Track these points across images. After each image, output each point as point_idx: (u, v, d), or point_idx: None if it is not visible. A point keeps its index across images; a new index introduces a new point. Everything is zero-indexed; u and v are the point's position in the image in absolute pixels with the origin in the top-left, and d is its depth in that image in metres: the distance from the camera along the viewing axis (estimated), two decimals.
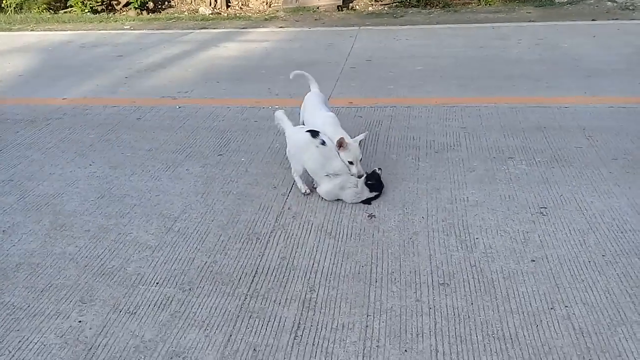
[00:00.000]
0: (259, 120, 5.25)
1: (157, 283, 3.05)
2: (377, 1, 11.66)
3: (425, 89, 6.00)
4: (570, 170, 4.04)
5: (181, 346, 2.62)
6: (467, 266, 3.07)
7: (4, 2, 12.54)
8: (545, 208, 3.57)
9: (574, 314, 2.70)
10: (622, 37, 7.81)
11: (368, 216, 3.62)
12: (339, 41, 8.42)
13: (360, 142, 3.72)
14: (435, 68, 6.78)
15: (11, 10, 12.47)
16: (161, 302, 2.90)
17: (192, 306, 2.87)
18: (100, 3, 12.17)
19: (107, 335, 2.70)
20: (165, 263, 3.22)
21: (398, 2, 11.08)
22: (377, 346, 2.57)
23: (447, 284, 2.95)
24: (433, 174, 4.08)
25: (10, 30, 10.69)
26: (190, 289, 3.00)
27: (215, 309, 2.84)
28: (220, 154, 4.57)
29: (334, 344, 2.59)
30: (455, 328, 2.65)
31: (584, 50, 7.22)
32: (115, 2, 12.63)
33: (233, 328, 2.71)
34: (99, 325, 2.76)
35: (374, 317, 2.74)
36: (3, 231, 3.59)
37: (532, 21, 9.14)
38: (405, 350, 2.54)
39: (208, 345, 2.62)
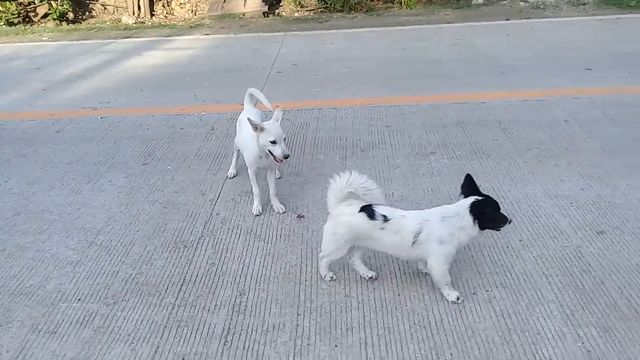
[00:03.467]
0: (185, 128, 5.17)
1: (78, 299, 2.94)
2: (303, 7, 11.77)
3: (350, 91, 6.10)
4: (488, 161, 4.22)
5: None
6: (394, 259, 3.14)
7: None
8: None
9: (495, 297, 2.82)
10: (534, 35, 8.24)
11: (297, 217, 3.63)
12: (265, 47, 8.43)
13: (279, 121, 3.46)
14: (359, 70, 6.90)
15: None
16: (84, 319, 2.80)
17: (117, 320, 2.78)
18: (16, 15, 11.62)
19: (26, 357, 2.57)
20: (87, 278, 3.10)
21: (323, 7, 11.21)
22: (308, 344, 2.58)
23: (374, 278, 3.00)
24: (359, 172, 4.14)
25: None
26: (114, 303, 2.90)
27: (142, 321, 2.77)
28: (145, 163, 4.46)
29: (264, 346, 2.58)
30: (383, 320, 2.70)
31: (498, 48, 7.55)
32: (33, 14, 12.10)
33: (160, 339, 2.65)
34: (17, 347, 2.62)
35: (304, 316, 2.75)
36: None
37: (451, 22, 9.49)
38: (336, 346, 2.56)
39: (134, 358, 2.54)
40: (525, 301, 2.77)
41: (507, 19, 9.38)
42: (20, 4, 11.83)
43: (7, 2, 11.38)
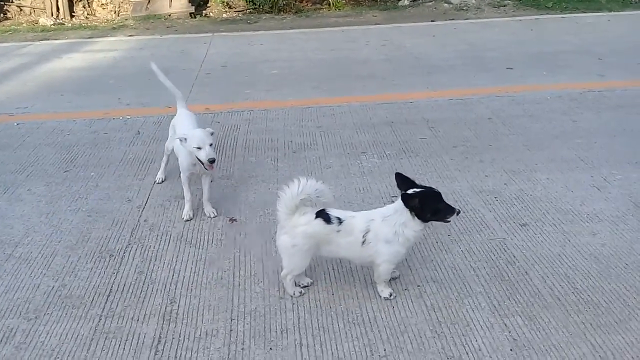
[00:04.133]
0: (109, 132, 4.99)
1: None
2: (231, 8, 11.63)
3: (281, 92, 6.09)
4: (417, 159, 4.32)
5: None
6: (327, 259, 3.15)
7: None
8: (397, 197, 3.77)
9: (426, 292, 2.88)
10: (457, 36, 8.53)
11: (229, 220, 3.58)
12: (192, 48, 8.27)
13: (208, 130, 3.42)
14: (290, 72, 6.90)
15: None
16: (3, 335, 2.63)
17: (40, 335, 2.64)
18: None
19: None
20: (5, 293, 2.92)
21: (251, 9, 11.13)
22: (242, 349, 2.54)
23: (309, 284, 2.99)
24: (291, 174, 4.13)
25: None
26: (36, 317, 2.75)
27: (66, 335, 2.64)
28: (67, 170, 4.26)
29: (197, 353, 2.52)
30: (318, 320, 2.70)
31: (424, 49, 7.77)
32: None
33: (87, 352, 2.53)
34: None
35: (237, 321, 2.71)
36: None
37: (378, 24, 9.67)
38: (270, 349, 2.54)
39: None
40: (454, 294, 2.85)
41: (432, 20, 9.66)
42: None
43: None
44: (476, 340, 2.54)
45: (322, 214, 2.73)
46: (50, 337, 2.63)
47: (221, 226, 3.52)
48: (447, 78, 6.39)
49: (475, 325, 2.64)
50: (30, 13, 11.99)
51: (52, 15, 11.52)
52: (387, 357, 2.47)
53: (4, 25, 11.09)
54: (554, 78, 6.26)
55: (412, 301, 2.81)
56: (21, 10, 12.06)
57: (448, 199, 3.66)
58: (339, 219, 2.72)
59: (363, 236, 2.70)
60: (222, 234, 3.44)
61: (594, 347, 2.47)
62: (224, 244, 3.34)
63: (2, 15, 11.85)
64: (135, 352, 2.53)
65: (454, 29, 9.04)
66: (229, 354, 2.51)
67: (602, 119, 5.03)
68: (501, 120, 5.04)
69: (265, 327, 2.66)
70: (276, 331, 2.64)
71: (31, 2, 12.01)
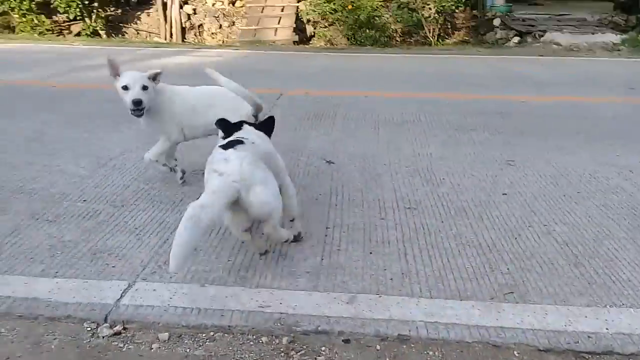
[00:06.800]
0: None
1: (84, 200, 2.65)
2: (333, 45, 11.84)
3: (381, 87, 5.92)
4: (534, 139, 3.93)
5: (107, 246, 2.20)
6: (435, 196, 2.82)
7: None
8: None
9: (555, 230, 2.46)
10: (566, 65, 8.09)
11: (326, 162, 3.34)
12: (294, 59, 8.38)
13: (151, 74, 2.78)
14: (397, 77, 6.75)
15: None
16: (87, 214, 2.49)
17: (124, 218, 2.47)
18: (51, 31, 11.79)
19: (18, 236, 2.26)
20: (95, 187, 2.82)
21: (354, 44, 11.21)
22: (339, 249, 2.23)
23: (414, 208, 2.67)
24: (392, 138, 3.90)
25: None
26: (122, 206, 2.60)
27: (151, 220, 2.46)
28: None
29: (288, 246, 2.23)
30: (425, 238, 2.36)
31: (530, 69, 7.39)
32: (67, 32, 12.32)
33: (171, 234, 2.30)
34: (9, 228, 2.32)
35: (333, 229, 2.42)
36: None
37: (483, 55, 9.42)
38: (371, 253, 2.21)
39: (140, 245, 2.22)
40: (591, 235, 2.43)
41: (540, 55, 9.27)
42: (54, 21, 12.04)
43: (42, 16, 11.59)
44: (624, 273, 2.09)
45: None
46: (135, 220, 2.45)
47: (318, 164, 3.29)
48: (557, 90, 5.96)
49: (621, 262, 2.19)
50: (146, 37, 12.84)
51: (165, 39, 12.27)
52: (511, 275, 2.06)
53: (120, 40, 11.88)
54: None
55: (538, 236, 2.40)
56: (138, 33, 12.94)
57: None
58: None
59: None
60: (318, 171, 3.19)
61: None
62: (320, 177, 3.09)
63: (120, 36, 12.76)
64: (222, 239, 2.29)
65: (562, 62, 8.60)
66: (323, 251, 2.21)
67: None
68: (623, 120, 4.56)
69: (365, 238, 2.34)
70: (377, 241, 2.32)
71: (148, 27, 12.89)
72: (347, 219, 2.52)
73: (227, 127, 2.28)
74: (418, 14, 10.82)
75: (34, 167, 3.08)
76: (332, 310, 1.79)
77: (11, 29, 11.45)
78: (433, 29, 10.97)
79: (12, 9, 10.82)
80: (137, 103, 2.69)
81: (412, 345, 1.65)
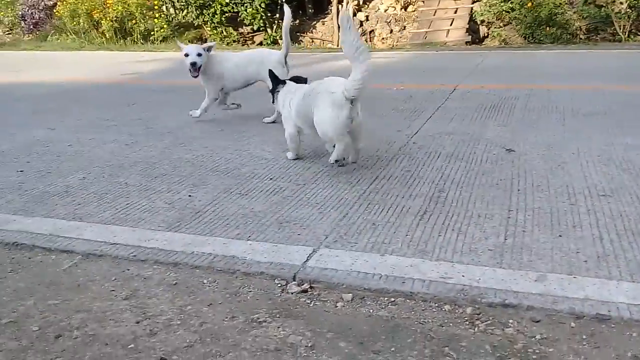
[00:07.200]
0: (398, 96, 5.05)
1: (271, 178, 2.85)
2: (507, 44, 11.32)
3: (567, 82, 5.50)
4: None
5: (292, 216, 2.34)
6: (634, 185, 2.54)
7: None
8: None
9: None
10: None
11: (506, 150, 3.19)
12: (467, 57, 8.16)
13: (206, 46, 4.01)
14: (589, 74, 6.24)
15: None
16: (274, 190, 2.68)
17: (306, 194, 2.61)
18: (237, 42, 12.94)
19: (216, 205, 2.50)
20: (280, 168, 3.02)
21: (530, 43, 10.61)
22: (523, 231, 2.12)
23: (609, 195, 2.43)
24: (583, 128, 3.61)
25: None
26: (304, 184, 2.74)
27: (331, 197, 2.56)
28: None
29: (468, 227, 2.17)
30: (624, 224, 2.13)
31: None
32: (250, 42, 13.42)
33: (350, 209, 2.40)
34: (209, 199, 2.58)
35: (517, 212, 2.30)
36: (126, 144, 3.61)
37: None
38: (560, 235, 2.06)
39: (322, 218, 2.32)
40: None
41: None
42: (240, 33, 13.18)
43: (230, 28, 12.75)
44: None
45: None
46: (316, 196, 2.57)
47: (497, 152, 3.16)
48: None
49: None
50: (320, 44, 13.46)
51: (337, 46, 12.74)
52: None
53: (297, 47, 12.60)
54: None
55: None
56: (313, 41, 13.63)
57: None
58: None
59: None
60: (497, 158, 3.07)
61: None
62: (499, 164, 2.96)
63: (296, 44, 13.56)
64: (398, 216, 2.30)
65: None
66: (506, 232, 2.11)
67: None
68: None
69: (552, 221, 2.19)
70: (566, 225, 2.15)
71: (322, 35, 13.51)
72: (532, 203, 2.38)
73: (275, 77, 3.26)
74: (607, 9, 9.91)
75: (227, 150, 3.39)
76: (519, 286, 1.71)
77: (203, 40, 12.77)
78: (624, 25, 9.98)
79: (205, 23, 12.06)
80: (193, 64, 3.86)
81: (613, 326, 1.51)
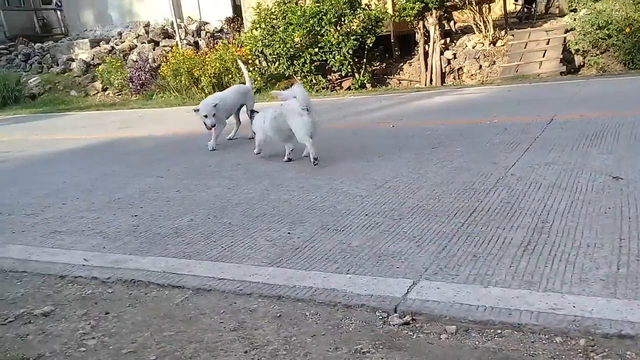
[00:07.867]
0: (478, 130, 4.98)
1: (365, 214, 2.88)
2: (605, 72, 10.81)
3: None
4: None
5: (390, 250, 2.35)
6: None
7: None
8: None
9: None
10: None
11: (613, 178, 3.03)
12: (564, 86, 7.87)
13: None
14: None
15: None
16: (370, 225, 2.71)
17: (403, 228, 2.62)
18: (325, 88, 13.34)
19: (314, 242, 2.57)
20: (374, 205, 3.05)
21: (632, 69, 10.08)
22: (638, 259, 1.99)
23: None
24: None
25: None
26: (400, 219, 2.75)
27: (428, 230, 2.55)
28: (434, 147, 4.37)
29: (577, 257, 2.08)
30: None
31: None
32: (339, 87, 13.77)
33: (449, 242, 2.37)
34: (307, 236, 2.65)
35: (630, 241, 2.17)
36: (228, 188, 3.81)
37: None
38: None
39: (420, 251, 2.31)
40: None
41: None
42: (329, 80, 13.58)
43: (319, 76, 13.17)
44: None
45: None
46: (413, 230, 2.58)
47: (603, 180, 3.01)
48: None
49: None
50: (408, 84, 13.55)
51: (424, 85, 12.77)
52: None
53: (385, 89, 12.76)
54: None
55: None
56: (400, 83, 13.74)
57: None
58: None
59: None
60: (603, 186, 2.92)
61: None
62: (606, 192, 2.81)
63: (384, 86, 13.73)
64: (500, 247, 2.25)
65: None
66: (618, 261, 2.00)
67: None
68: None
69: None
70: None
71: (409, 76, 13.61)
72: None
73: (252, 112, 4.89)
74: None
75: (322, 189, 3.48)
76: (636, 316, 1.60)
77: None
78: None
79: (296, 73, 12.56)
80: (213, 125, 5.22)
81: None
